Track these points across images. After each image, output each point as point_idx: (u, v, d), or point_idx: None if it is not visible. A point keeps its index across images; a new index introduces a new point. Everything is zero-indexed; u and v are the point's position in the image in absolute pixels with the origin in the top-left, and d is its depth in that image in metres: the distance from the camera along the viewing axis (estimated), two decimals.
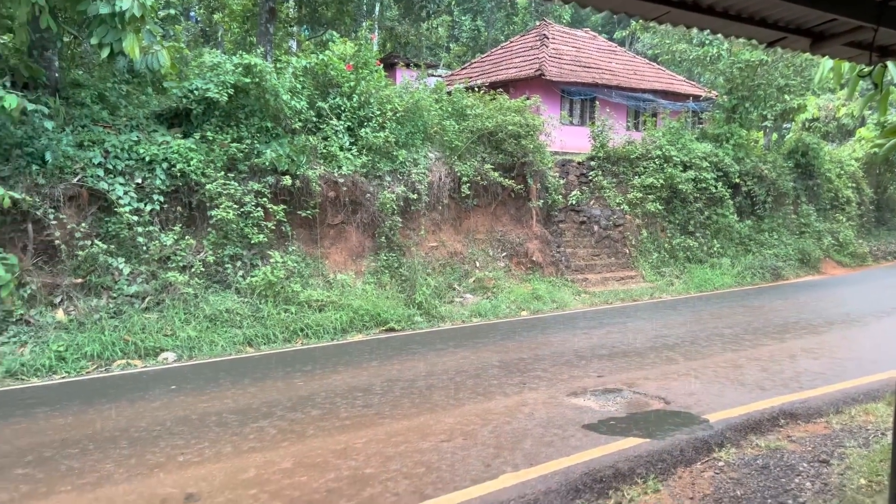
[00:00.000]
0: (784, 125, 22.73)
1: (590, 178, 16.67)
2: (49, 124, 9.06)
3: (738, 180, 18.08)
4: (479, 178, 13.84)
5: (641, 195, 16.59)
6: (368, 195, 12.43)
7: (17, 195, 8.54)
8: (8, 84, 8.67)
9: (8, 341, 8.54)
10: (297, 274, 11.24)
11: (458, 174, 13.64)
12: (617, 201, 16.42)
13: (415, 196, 12.86)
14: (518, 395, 6.88)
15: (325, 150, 11.96)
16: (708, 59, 20.02)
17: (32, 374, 8.11)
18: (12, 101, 8.13)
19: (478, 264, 13.72)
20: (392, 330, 10.81)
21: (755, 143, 20.16)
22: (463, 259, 13.63)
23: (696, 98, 23.28)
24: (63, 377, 8.12)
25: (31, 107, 8.69)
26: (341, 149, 12.19)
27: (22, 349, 8.53)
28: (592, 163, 16.92)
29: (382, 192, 12.43)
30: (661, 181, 16.73)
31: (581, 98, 23.32)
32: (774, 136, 22.47)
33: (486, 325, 11.34)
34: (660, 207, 16.63)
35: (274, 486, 4.63)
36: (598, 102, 22.54)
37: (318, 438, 5.67)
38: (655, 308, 13.09)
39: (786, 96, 19.33)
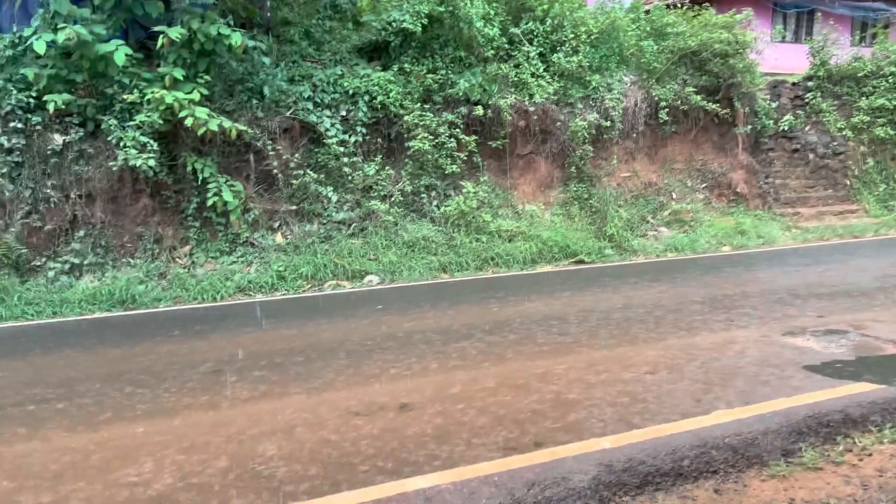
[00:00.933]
0: None
1: (806, 100, 14.94)
2: (266, 60, 9.76)
3: None
4: (678, 102, 12.93)
5: (869, 119, 14.60)
6: (559, 124, 12.14)
7: (241, 127, 9.37)
8: (232, 23, 9.40)
9: (237, 261, 9.56)
10: (488, 204, 11.37)
11: (656, 99, 12.84)
12: (838, 126, 14.61)
13: (608, 123, 12.34)
14: (726, 332, 6.47)
15: (516, 78, 11.78)
16: None
17: (258, 290, 9.04)
18: (237, 38, 8.85)
19: (674, 196, 13.00)
20: (582, 262, 10.64)
21: None
22: (658, 190, 12.98)
23: None
24: (283, 294, 8.96)
25: (250, 44, 9.39)
26: (533, 76, 11.93)
27: (248, 268, 9.51)
28: (810, 83, 15.10)
29: (574, 120, 12.07)
30: (895, 102, 14.57)
31: (797, 10, 20.75)
32: None
33: (683, 260, 10.78)
34: (891, 132, 14.56)
35: (480, 403, 4.78)
36: (817, 14, 19.91)
37: (518, 361, 5.75)
38: (882, 246, 11.65)
39: None
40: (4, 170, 8.69)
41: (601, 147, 12.53)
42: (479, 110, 11.16)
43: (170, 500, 3.62)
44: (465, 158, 11.26)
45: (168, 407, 4.93)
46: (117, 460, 4.08)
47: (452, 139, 11.06)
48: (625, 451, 4.06)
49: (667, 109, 12.81)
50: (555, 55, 12.12)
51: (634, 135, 12.96)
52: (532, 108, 11.74)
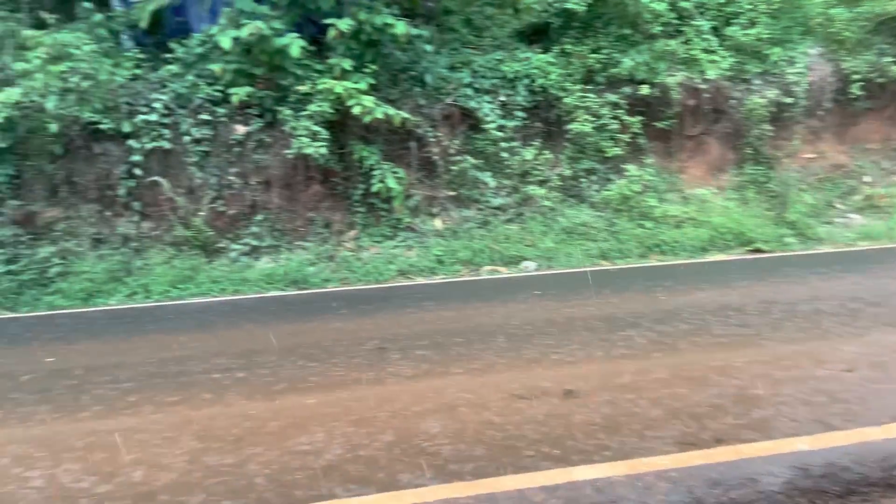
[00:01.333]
0: None
1: None
2: (428, 48, 9.89)
3: None
4: (874, 74, 11.52)
5: None
6: (733, 102, 11.26)
7: (405, 115, 9.56)
8: (397, 13, 9.61)
9: (399, 245, 9.79)
10: (653, 188, 10.79)
11: (847, 72, 11.53)
12: None
13: (789, 100, 11.27)
14: None
15: (685, 55, 11.07)
16: None
17: (418, 273, 9.18)
18: (401, 27, 9.04)
19: (867, 179, 11.64)
20: (758, 251, 9.80)
21: None
22: (848, 173, 11.68)
23: None
24: (442, 278, 9.04)
25: (413, 32, 9.56)
26: (704, 51, 11.15)
27: (409, 252, 9.70)
28: None
29: (750, 97, 11.15)
30: None
31: None
32: None
33: (879, 250, 9.60)
34: None
35: (652, 394, 4.49)
36: None
37: (692, 353, 5.36)
38: None
39: None
40: (195, 159, 9.48)
41: (781, 126, 11.45)
42: (645, 89, 10.60)
43: (340, 470, 3.70)
44: (629, 141, 10.75)
45: (337, 381, 5.10)
46: (291, 429, 4.26)
47: (615, 121, 10.60)
48: (824, 454, 3.63)
49: (860, 83, 11.46)
50: (729, 28, 11.25)
51: (820, 112, 11.73)
52: (703, 86, 10.97)
